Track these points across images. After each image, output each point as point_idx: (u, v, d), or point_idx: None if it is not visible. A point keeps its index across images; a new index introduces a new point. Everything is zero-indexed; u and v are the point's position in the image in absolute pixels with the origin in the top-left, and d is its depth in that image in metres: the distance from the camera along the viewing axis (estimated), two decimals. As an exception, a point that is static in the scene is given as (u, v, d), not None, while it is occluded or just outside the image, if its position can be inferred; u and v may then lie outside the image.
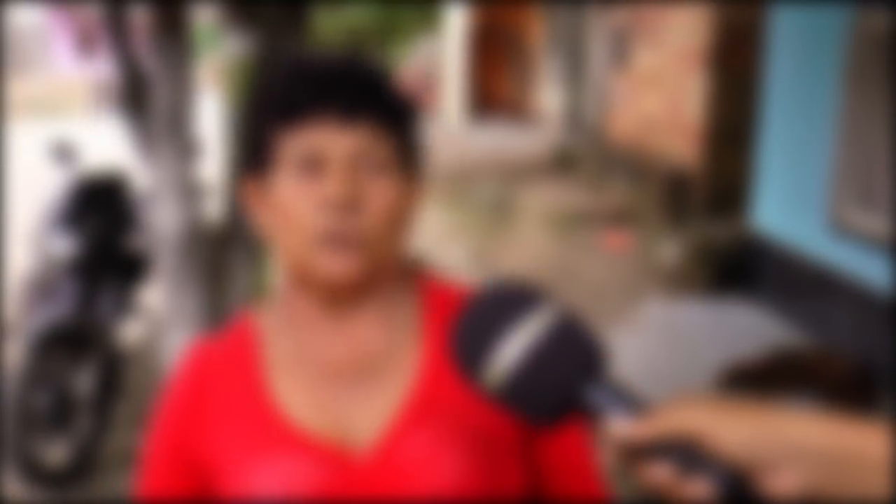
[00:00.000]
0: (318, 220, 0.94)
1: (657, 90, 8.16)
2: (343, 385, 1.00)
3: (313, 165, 0.94)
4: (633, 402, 0.73)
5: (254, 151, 1.00)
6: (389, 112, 0.98)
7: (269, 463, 0.97)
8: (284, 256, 0.99)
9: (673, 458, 0.68)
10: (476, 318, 0.79)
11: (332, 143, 0.94)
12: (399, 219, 0.98)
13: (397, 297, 1.03)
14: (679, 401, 0.69)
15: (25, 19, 22.98)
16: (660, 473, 0.68)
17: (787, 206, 5.45)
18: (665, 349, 4.81)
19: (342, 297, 0.99)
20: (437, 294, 1.06)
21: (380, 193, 0.95)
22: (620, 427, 0.70)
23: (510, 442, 1.02)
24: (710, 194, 6.60)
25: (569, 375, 0.74)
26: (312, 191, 0.94)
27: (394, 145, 0.97)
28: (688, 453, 0.67)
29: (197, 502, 1.04)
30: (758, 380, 3.73)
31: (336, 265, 0.94)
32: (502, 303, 0.79)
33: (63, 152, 4.20)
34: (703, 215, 6.51)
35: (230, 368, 1.04)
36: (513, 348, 0.75)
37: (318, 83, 0.96)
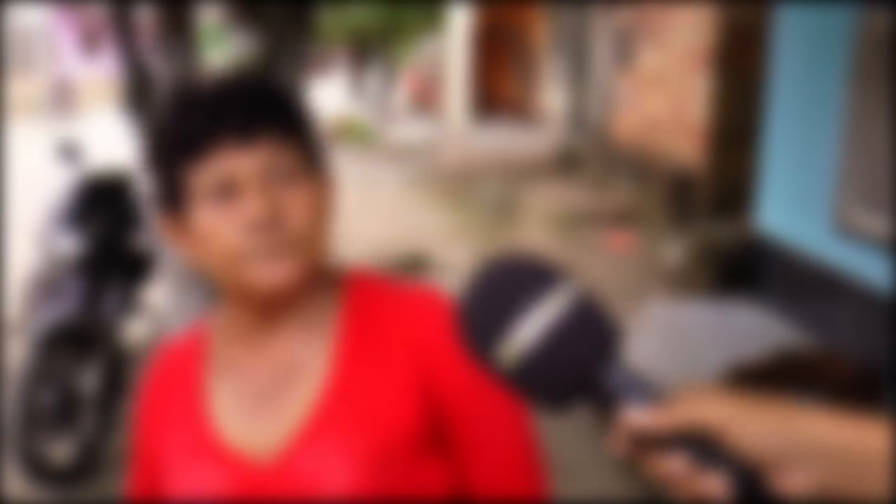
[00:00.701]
0: (244, 242, 0.95)
1: (661, 90, 8.16)
2: (262, 394, 1.02)
3: (226, 191, 0.96)
4: (649, 390, 0.70)
5: (165, 190, 1.01)
6: (285, 123, 0.99)
7: (189, 468, 1.02)
8: (218, 279, 1.01)
9: (688, 451, 0.66)
10: (491, 290, 0.75)
11: (237, 165, 0.96)
12: (319, 222, 1.00)
13: (318, 300, 1.05)
14: (696, 392, 0.68)
15: (30, 19, 23.02)
16: (674, 466, 0.66)
17: (792, 206, 5.44)
18: (669, 350, 4.81)
19: (276, 306, 1.01)
20: (358, 291, 1.07)
21: (296, 202, 0.97)
22: (637, 416, 0.68)
23: (425, 441, 1.01)
24: (714, 195, 6.59)
25: (587, 357, 0.71)
26: (232, 216, 0.95)
27: (298, 153, 0.99)
28: (704, 446, 0.65)
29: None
30: (762, 380, 3.73)
31: (272, 275, 0.96)
32: (519, 276, 0.75)
33: (68, 152, 4.21)
34: (708, 216, 6.51)
35: (179, 375, 1.09)
36: (532, 326, 0.71)
37: (209, 111, 0.97)
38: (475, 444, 1.03)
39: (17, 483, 3.53)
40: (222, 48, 11.75)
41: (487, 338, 0.73)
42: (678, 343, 4.94)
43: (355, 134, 15.92)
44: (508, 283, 0.75)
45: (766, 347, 4.30)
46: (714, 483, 0.65)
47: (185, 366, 1.09)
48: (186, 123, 0.98)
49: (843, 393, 3.54)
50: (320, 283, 1.05)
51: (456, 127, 13.02)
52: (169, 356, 1.12)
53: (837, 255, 4.74)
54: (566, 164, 10.84)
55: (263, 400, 1.02)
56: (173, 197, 1.00)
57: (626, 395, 0.70)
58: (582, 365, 0.71)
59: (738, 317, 5.32)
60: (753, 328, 5.11)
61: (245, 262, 0.96)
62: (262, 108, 0.98)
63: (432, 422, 1.01)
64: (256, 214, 0.94)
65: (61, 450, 3.51)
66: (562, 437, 3.85)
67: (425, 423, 1.00)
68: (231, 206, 0.96)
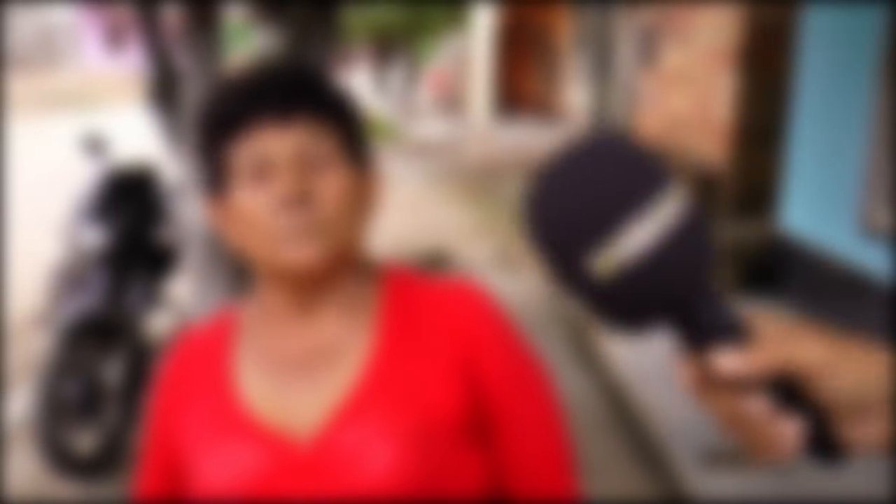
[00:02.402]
0: (274, 220, 0.97)
1: (685, 89, 8.11)
2: (298, 376, 1.03)
3: (262, 171, 0.98)
4: (738, 325, 0.62)
5: (209, 172, 1.04)
6: (323, 106, 1.01)
7: (221, 449, 1.01)
8: (253, 259, 1.03)
9: (772, 392, 0.61)
10: (587, 180, 0.62)
11: (273, 146, 0.98)
12: (352, 209, 1.02)
13: (356, 288, 1.06)
14: (787, 331, 0.62)
15: (57, 18, 23.24)
16: (754, 408, 0.62)
17: (816, 207, 5.40)
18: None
19: (307, 287, 1.03)
20: (395, 283, 1.08)
21: (329, 186, 0.99)
22: (727, 359, 0.61)
23: (465, 430, 1.01)
24: (738, 194, 6.55)
25: (690, 277, 0.62)
26: (265, 194, 0.98)
27: (336, 140, 1.01)
28: (788, 390, 0.61)
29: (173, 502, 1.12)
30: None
31: (299, 255, 0.98)
32: (624, 167, 0.63)
33: (94, 145, 4.24)
34: (731, 216, 6.47)
35: (205, 358, 1.10)
36: (641, 235, 0.60)
37: (249, 93, 1.00)
38: (514, 439, 1.04)
39: (16, 480, 3.57)
40: (248, 45, 11.80)
41: (577, 241, 0.61)
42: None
43: (378, 131, 15.96)
44: (609, 173, 0.62)
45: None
46: (789, 429, 0.62)
47: (210, 350, 1.10)
48: (228, 105, 1.01)
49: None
50: (358, 271, 1.07)
51: (479, 124, 13.01)
52: (190, 343, 1.13)
53: (862, 255, 4.70)
54: (589, 162, 10.79)
55: (299, 380, 1.03)
56: (216, 178, 1.03)
57: (715, 327, 0.62)
58: (683, 285, 0.62)
59: (760, 317, 5.28)
60: (776, 329, 5.07)
61: (276, 241, 0.98)
62: (300, 91, 1.01)
63: (473, 411, 1.01)
64: (286, 192, 0.97)
65: (85, 441, 3.54)
66: (582, 434, 3.85)
67: (467, 411, 1.01)
68: (265, 185, 0.98)
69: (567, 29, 13.55)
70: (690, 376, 0.64)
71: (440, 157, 13.43)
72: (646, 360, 4.48)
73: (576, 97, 12.90)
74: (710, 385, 0.63)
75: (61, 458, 3.41)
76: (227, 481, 0.99)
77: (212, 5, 3.11)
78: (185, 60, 3.07)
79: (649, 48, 9.38)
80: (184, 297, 4.30)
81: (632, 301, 0.62)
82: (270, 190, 0.98)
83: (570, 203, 0.62)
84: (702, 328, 0.62)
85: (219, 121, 1.01)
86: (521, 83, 15.20)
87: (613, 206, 0.60)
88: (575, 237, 0.61)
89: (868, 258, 4.63)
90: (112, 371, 3.63)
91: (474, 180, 10.41)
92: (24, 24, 22.32)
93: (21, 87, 17.90)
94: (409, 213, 8.94)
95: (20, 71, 20.63)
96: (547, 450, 1.05)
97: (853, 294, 4.74)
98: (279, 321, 1.06)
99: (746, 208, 6.45)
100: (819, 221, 5.33)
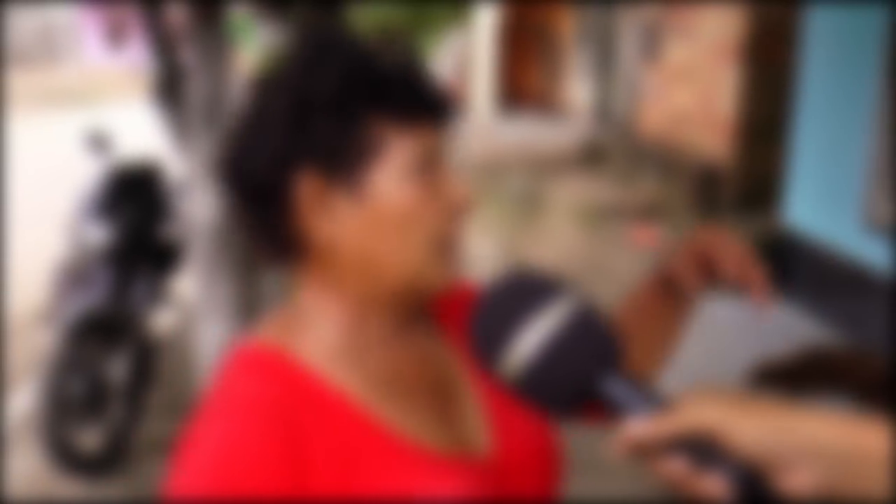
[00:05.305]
0: (446, 225, 0.86)
1: (689, 84, 8.10)
2: (432, 397, 0.92)
3: (425, 167, 0.85)
4: (649, 396, 0.72)
5: (336, 144, 0.83)
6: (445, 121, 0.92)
7: (423, 489, 0.84)
8: (377, 266, 0.86)
9: (689, 454, 0.67)
10: (496, 306, 0.78)
11: (437, 141, 0.88)
12: None
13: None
14: (695, 396, 0.69)
15: (60, 15, 23.25)
16: (675, 468, 0.68)
17: (821, 202, 5.39)
18: (694, 346, 4.77)
19: (415, 308, 0.92)
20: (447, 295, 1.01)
21: None
22: (637, 424, 0.69)
23: None
24: (741, 190, 6.54)
25: (587, 366, 0.73)
26: (433, 193, 0.85)
27: None
28: (703, 449, 0.67)
29: None
30: (788, 379, 3.70)
31: (449, 271, 0.88)
32: (522, 291, 0.78)
33: (98, 142, 4.24)
34: (735, 211, 6.46)
35: (308, 409, 0.83)
36: (532, 337, 0.74)
37: (418, 80, 0.87)
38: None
39: (16, 480, 3.58)
40: (253, 41, 11.80)
41: (493, 349, 0.76)
42: (703, 339, 4.91)
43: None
44: (510, 298, 0.77)
45: (794, 345, 4.25)
46: (715, 484, 0.66)
47: (314, 401, 0.84)
48: (399, 83, 0.85)
49: (871, 392, 3.49)
50: None
51: (482, 120, 13.00)
52: (272, 401, 0.82)
53: (867, 251, 4.69)
54: (592, 157, 10.79)
55: (434, 401, 0.92)
56: (348, 156, 0.83)
57: (628, 403, 0.72)
58: (582, 374, 0.73)
59: (764, 313, 5.28)
60: (781, 325, 5.07)
61: (434, 251, 0.86)
62: (442, 93, 0.90)
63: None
64: (467, 198, 0.87)
65: (90, 438, 3.54)
66: (580, 435, 3.83)
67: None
68: (429, 184, 0.86)
69: (570, 25, 13.53)
70: (618, 446, 0.71)
71: (442, 152, 13.41)
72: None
73: (579, 93, 12.89)
74: (638, 452, 0.70)
75: (65, 456, 3.41)
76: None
77: (216, 1, 3.10)
78: (191, 56, 3.06)
79: (652, 44, 9.36)
80: (188, 294, 4.30)
81: (546, 391, 0.74)
82: (438, 189, 0.86)
83: (487, 321, 0.77)
84: (612, 403, 0.73)
85: (387, 95, 0.84)
86: (523, 79, 15.18)
87: (511, 319, 0.75)
88: (491, 345, 0.76)
89: (872, 253, 4.62)
90: (117, 368, 3.63)
91: (477, 176, 10.39)
92: (25, 21, 22.33)
93: (22, 83, 17.90)
94: (412, 209, 8.92)
95: (21, 68, 20.63)
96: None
97: (857, 289, 4.73)
98: (382, 348, 0.90)
99: (750, 203, 6.44)
100: (823, 216, 5.33)
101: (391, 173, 0.84)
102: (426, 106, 0.87)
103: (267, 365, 0.85)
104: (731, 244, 1.07)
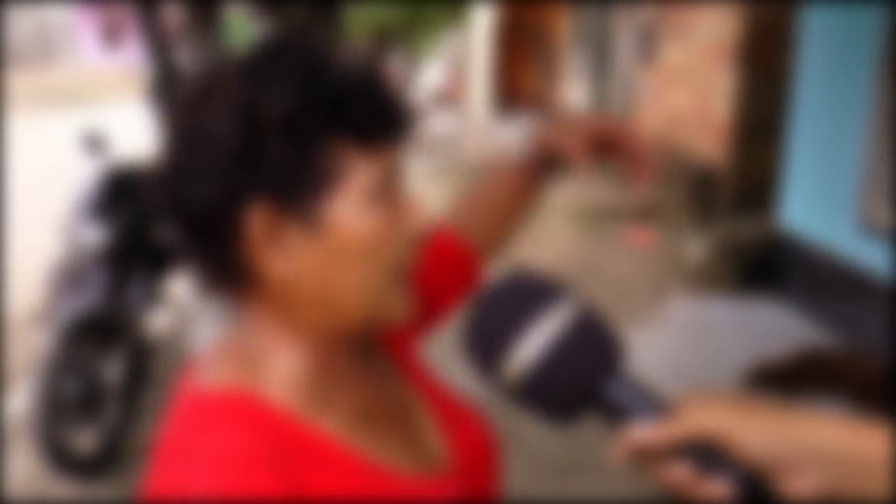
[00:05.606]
0: (401, 253, 0.81)
1: (685, 86, 8.11)
2: (396, 422, 0.89)
3: (383, 191, 0.78)
4: (652, 401, 0.71)
5: (297, 171, 0.75)
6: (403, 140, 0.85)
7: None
8: (341, 302, 0.80)
9: (692, 459, 0.67)
10: (493, 308, 0.75)
11: (396, 164, 0.81)
12: None
13: None
14: (698, 400, 0.69)
15: (57, 15, 23.24)
16: (678, 473, 0.68)
17: (816, 204, 5.40)
18: (690, 348, 4.79)
19: (374, 339, 0.90)
20: None
21: None
22: (640, 430, 0.69)
23: None
24: (737, 191, 6.55)
25: (590, 372, 0.72)
26: (392, 220, 0.79)
27: None
28: (707, 454, 0.67)
29: None
30: (784, 380, 3.70)
31: (408, 305, 0.83)
32: (521, 293, 0.75)
33: (94, 142, 4.23)
34: (731, 212, 6.46)
35: (294, 454, 0.78)
36: (534, 342, 0.71)
37: (380, 95, 0.80)
38: None
39: (16, 479, 3.57)
40: (249, 42, 11.79)
41: (491, 357, 0.73)
42: (700, 341, 4.92)
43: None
44: (509, 301, 0.75)
45: (789, 346, 4.25)
46: (719, 488, 0.67)
47: (292, 442, 0.78)
48: (359, 101, 0.77)
49: (867, 394, 3.50)
50: None
51: (478, 121, 13.00)
52: (259, 445, 0.75)
53: (862, 253, 4.70)
54: (588, 159, 10.79)
55: (399, 426, 0.89)
56: (306, 183, 0.75)
57: (630, 407, 0.71)
58: (585, 379, 0.72)
59: (760, 315, 5.29)
60: (776, 327, 5.08)
61: (392, 283, 0.80)
62: (406, 111, 0.83)
63: None
64: (424, 224, 0.81)
65: (85, 439, 3.54)
66: (583, 435, 3.84)
67: None
68: (387, 210, 0.79)
69: (566, 26, 13.53)
70: (620, 451, 0.71)
71: (439, 153, 13.42)
72: (646, 357, 4.48)
73: (575, 94, 12.90)
74: (639, 457, 0.70)
75: (61, 457, 3.40)
76: None
77: (212, 1, 3.11)
78: (186, 56, 3.06)
79: (649, 45, 9.37)
80: (184, 296, 4.29)
81: (547, 398, 0.73)
82: (400, 216, 0.80)
83: (484, 328, 0.75)
84: (615, 407, 0.72)
85: (343, 110, 0.76)
86: (519, 80, 15.19)
87: (510, 325, 0.73)
88: (489, 352, 0.73)
89: (867, 255, 4.63)
90: (112, 370, 3.62)
91: (473, 177, 10.40)
92: (22, 21, 22.31)
93: (19, 83, 17.88)
94: (409, 211, 8.92)
95: (18, 68, 20.61)
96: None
97: (852, 291, 4.74)
98: (345, 379, 0.85)
99: (746, 205, 6.45)
100: (818, 218, 5.33)
101: (350, 202, 0.77)
102: (389, 124, 0.79)
103: (238, 413, 0.77)
104: (631, 133, 1.06)
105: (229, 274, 0.79)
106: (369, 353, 0.90)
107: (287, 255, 0.77)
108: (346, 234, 0.76)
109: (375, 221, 0.77)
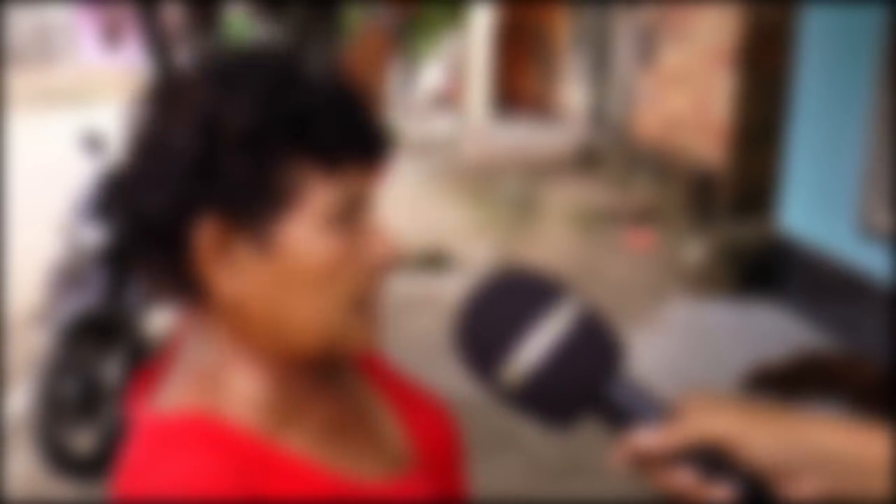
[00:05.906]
0: (360, 282, 0.77)
1: (684, 89, 8.12)
2: (361, 431, 0.88)
3: (346, 216, 0.75)
4: (654, 404, 0.70)
5: (252, 188, 0.73)
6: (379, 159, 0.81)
7: None
8: (292, 327, 0.77)
9: (695, 464, 0.67)
10: (490, 307, 0.73)
11: (363, 187, 0.77)
12: None
13: None
14: (700, 404, 0.68)
15: (57, 15, 23.25)
16: (681, 478, 0.68)
17: (815, 207, 5.40)
18: (689, 350, 4.79)
19: (328, 363, 0.85)
20: None
21: None
22: (644, 436, 0.68)
23: None
24: (736, 194, 6.55)
25: (594, 374, 0.70)
26: (353, 246, 0.76)
27: None
28: (711, 458, 0.66)
29: None
30: (783, 383, 3.70)
31: (372, 336, 0.80)
32: (520, 294, 0.72)
33: (93, 142, 4.23)
34: (729, 215, 6.47)
35: (262, 477, 0.76)
36: (537, 343, 0.69)
37: (350, 113, 0.76)
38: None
39: (16, 479, 3.56)
40: (249, 41, 11.79)
41: (490, 359, 0.71)
42: (698, 343, 4.92)
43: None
44: (509, 300, 0.72)
45: (788, 349, 4.25)
46: (722, 493, 0.66)
47: (255, 460, 0.76)
48: (320, 115, 0.74)
49: (866, 397, 3.50)
50: None
51: (477, 123, 13.00)
52: (225, 469, 0.73)
53: (861, 256, 4.70)
54: (587, 161, 10.80)
55: (364, 434, 0.87)
56: (259, 201, 0.73)
57: (632, 411, 0.70)
58: (587, 382, 0.70)
59: (759, 318, 5.29)
60: (774, 330, 5.08)
61: (353, 312, 0.77)
62: (378, 129, 0.79)
63: None
64: (392, 253, 0.77)
65: (83, 439, 3.53)
66: (581, 437, 3.84)
67: None
68: (349, 235, 0.76)
69: (565, 28, 13.55)
70: (622, 456, 0.70)
71: (438, 155, 13.43)
72: (644, 360, 4.48)
73: (574, 96, 12.91)
74: (642, 462, 0.69)
75: (59, 457, 3.40)
76: None
77: (213, 2, 3.11)
78: (186, 57, 3.06)
79: (648, 48, 9.38)
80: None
81: (548, 401, 0.71)
82: (364, 243, 0.77)
83: (480, 329, 0.72)
84: (617, 411, 0.70)
85: (309, 134, 0.73)
86: (518, 82, 15.20)
87: (510, 326, 0.70)
88: (488, 354, 0.71)
89: (866, 258, 4.63)
90: (111, 370, 3.62)
91: (472, 179, 10.40)
92: (22, 21, 22.30)
93: (19, 83, 17.87)
94: (407, 212, 8.93)
95: (18, 68, 20.60)
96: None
97: (852, 294, 4.74)
98: (310, 399, 0.82)
99: (745, 208, 6.45)
100: (818, 221, 5.34)
101: (305, 224, 0.73)
102: (357, 145, 0.76)
103: (199, 436, 0.74)
104: None
105: (177, 284, 0.77)
106: (331, 368, 0.87)
107: (235, 271, 0.74)
108: (298, 256, 0.74)
109: (333, 247, 0.74)
